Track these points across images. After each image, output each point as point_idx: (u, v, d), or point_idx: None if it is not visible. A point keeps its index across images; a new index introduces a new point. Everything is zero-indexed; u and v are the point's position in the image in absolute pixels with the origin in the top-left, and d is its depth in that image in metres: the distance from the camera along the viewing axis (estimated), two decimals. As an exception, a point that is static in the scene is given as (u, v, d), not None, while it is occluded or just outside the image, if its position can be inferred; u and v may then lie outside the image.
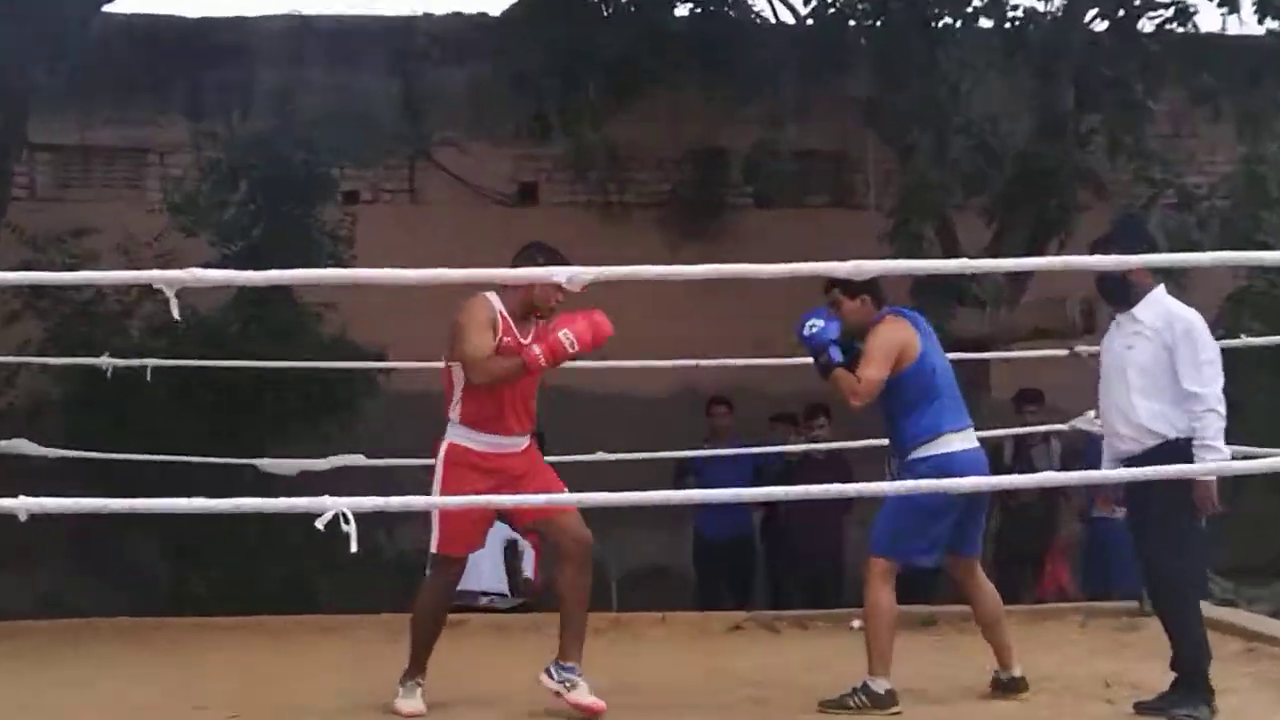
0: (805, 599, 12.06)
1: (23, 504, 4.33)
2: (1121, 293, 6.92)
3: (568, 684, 7.12)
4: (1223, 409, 6.64)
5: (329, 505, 3.84)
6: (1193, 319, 6.81)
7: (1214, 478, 6.61)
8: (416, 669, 7.35)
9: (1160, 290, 6.90)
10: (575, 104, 12.14)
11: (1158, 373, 6.75)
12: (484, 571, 11.36)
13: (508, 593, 11.40)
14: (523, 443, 7.26)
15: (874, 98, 13.35)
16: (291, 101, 13.51)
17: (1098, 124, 13.19)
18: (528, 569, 11.65)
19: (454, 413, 7.16)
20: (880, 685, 7.12)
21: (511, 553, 11.58)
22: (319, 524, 3.91)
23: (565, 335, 6.89)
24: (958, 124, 12.11)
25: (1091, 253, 6.94)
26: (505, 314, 7.09)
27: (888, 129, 12.85)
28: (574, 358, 7.00)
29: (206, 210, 13.03)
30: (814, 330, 7.34)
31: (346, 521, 3.85)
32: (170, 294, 4.75)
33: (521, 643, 9.28)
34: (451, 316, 7.14)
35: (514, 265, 6.82)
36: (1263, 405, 12.08)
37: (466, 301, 7.12)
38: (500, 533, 11.56)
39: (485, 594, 11.26)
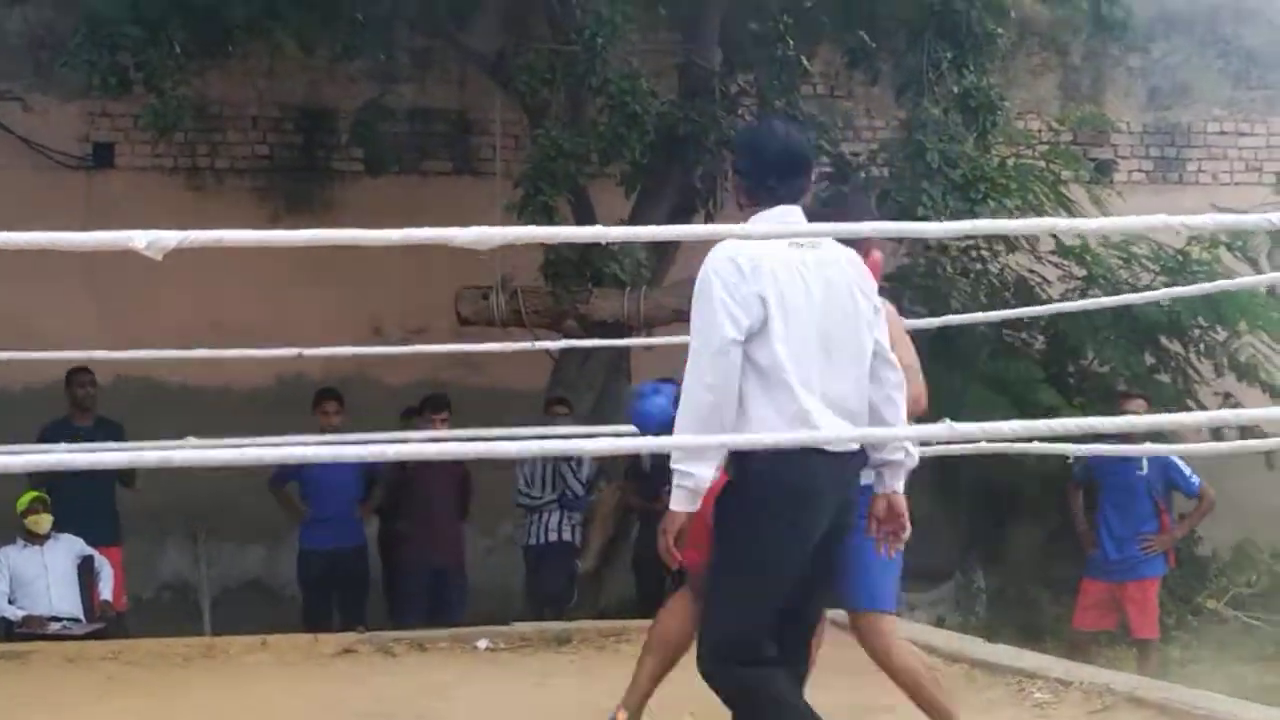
0: (426, 615, 12.06)
1: None
2: None
3: None
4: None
5: None
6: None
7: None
8: None
9: None
10: (159, 55, 11.84)
11: None
12: (54, 594, 11.10)
13: (82, 617, 11.14)
14: None
15: (501, 52, 13.38)
16: None
17: (747, 84, 13.49)
18: (106, 590, 11.41)
19: None
20: None
21: (86, 571, 11.33)
22: None
23: None
24: (594, 83, 12.21)
25: None
26: None
27: (516, 88, 12.89)
28: None
29: None
30: None
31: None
32: None
33: (95, 673, 9.08)
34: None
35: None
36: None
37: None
38: (73, 549, 11.32)
39: (56, 619, 10.99)
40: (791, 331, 5.51)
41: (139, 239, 3.63)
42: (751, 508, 5.51)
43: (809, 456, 5.45)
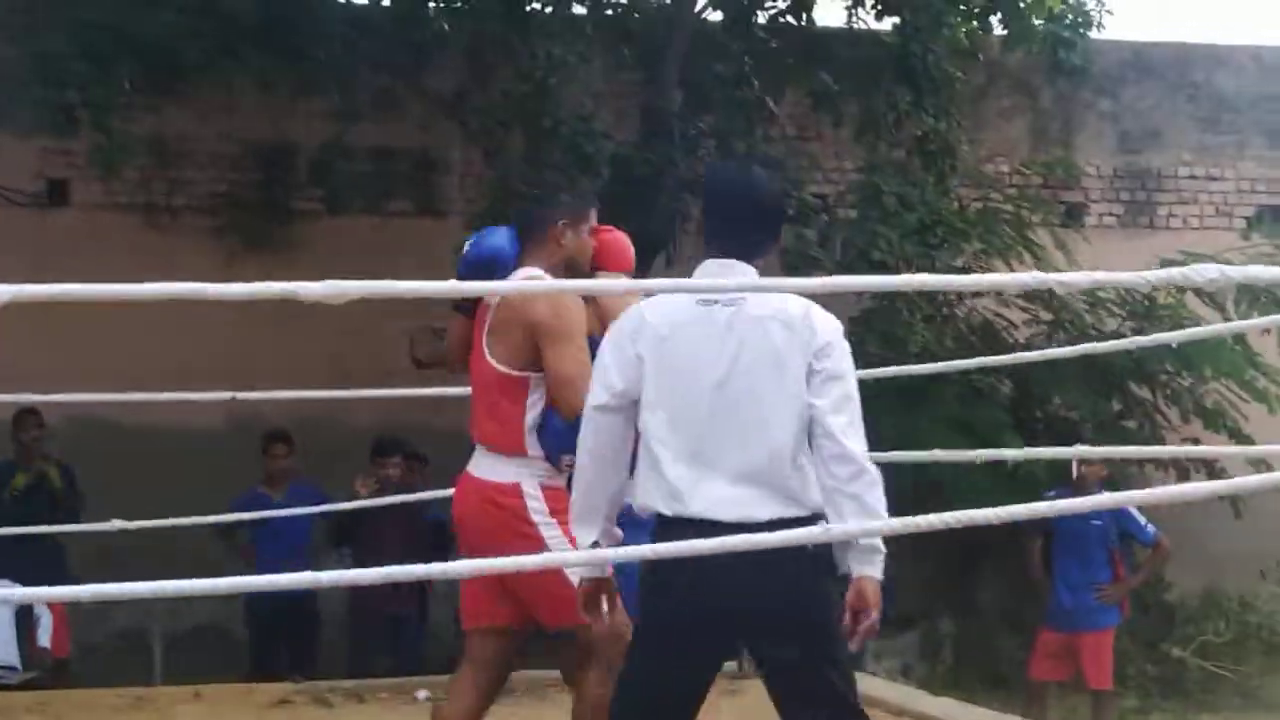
0: (381, 659, 11.85)
1: None
2: None
3: None
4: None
5: None
6: None
7: None
8: None
9: None
10: (107, 92, 11.68)
11: None
12: (-11, 641, 10.91)
13: (18, 665, 10.93)
14: None
15: (459, 93, 13.26)
16: None
17: (708, 126, 13.34)
18: (44, 638, 11.21)
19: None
20: None
21: (26, 617, 11.12)
22: None
23: None
24: (547, 124, 12.07)
25: None
26: None
27: (475, 127, 12.75)
28: None
29: None
30: None
31: None
32: None
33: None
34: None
35: None
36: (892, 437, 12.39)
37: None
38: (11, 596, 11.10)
39: (-9, 666, 10.81)
40: (674, 397, 5.15)
41: (-39, 294, 3.41)
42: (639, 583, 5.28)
43: (680, 530, 5.03)
